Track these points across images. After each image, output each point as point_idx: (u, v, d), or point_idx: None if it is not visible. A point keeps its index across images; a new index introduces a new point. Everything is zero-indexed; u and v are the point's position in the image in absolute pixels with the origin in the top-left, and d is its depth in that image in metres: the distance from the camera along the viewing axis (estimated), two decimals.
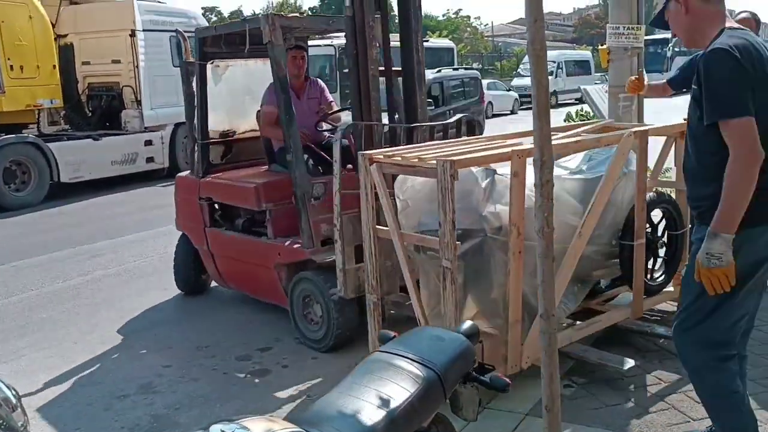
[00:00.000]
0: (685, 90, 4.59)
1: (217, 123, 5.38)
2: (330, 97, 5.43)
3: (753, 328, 2.75)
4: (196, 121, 5.19)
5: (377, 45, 4.32)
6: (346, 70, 4.51)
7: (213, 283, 5.71)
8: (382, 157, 3.57)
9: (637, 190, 3.82)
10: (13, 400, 2.08)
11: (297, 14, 4.75)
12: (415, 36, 4.45)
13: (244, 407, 3.75)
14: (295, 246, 4.53)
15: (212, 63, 5.17)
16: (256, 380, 4.11)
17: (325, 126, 5.15)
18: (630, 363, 3.54)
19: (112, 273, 6.59)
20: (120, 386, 4.10)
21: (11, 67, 10.60)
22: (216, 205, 5.23)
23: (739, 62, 2.29)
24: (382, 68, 4.46)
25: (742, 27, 2.49)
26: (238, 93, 5.63)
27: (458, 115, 4.79)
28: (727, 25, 2.46)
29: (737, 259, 2.35)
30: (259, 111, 5.15)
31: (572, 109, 9.72)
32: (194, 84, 5.12)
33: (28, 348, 4.81)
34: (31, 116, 11.53)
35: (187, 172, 5.62)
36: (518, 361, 3.44)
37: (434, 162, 3.16)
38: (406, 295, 4.41)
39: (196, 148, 5.27)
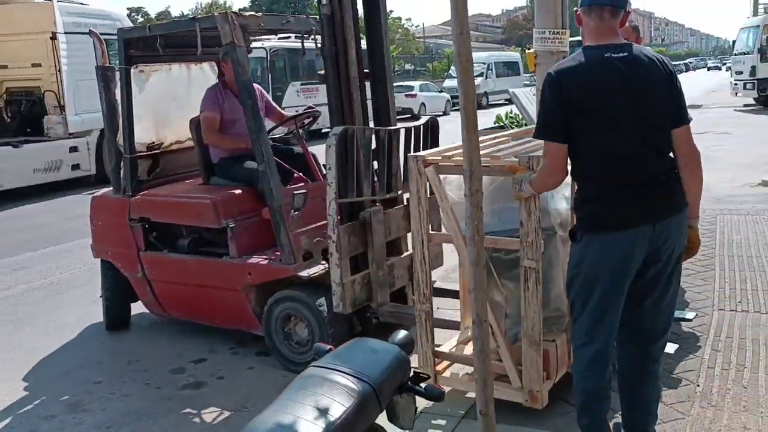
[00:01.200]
0: None
1: (141, 134, 4.90)
2: (269, 99, 5.17)
3: (660, 337, 2.78)
4: (120, 132, 4.81)
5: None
6: (321, 72, 4.23)
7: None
8: (439, 158, 3.42)
9: None
10: None
11: (253, 13, 4.41)
12: (385, 37, 4.32)
13: (178, 422, 3.68)
14: (270, 263, 4.22)
15: (136, 68, 4.83)
16: (191, 393, 4.03)
17: (276, 133, 4.93)
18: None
19: (36, 287, 6.33)
20: (47, 406, 3.95)
21: None
22: (149, 226, 4.72)
23: (553, 87, 2.48)
24: None
25: (602, 44, 2.52)
26: (163, 101, 5.19)
27: (425, 117, 4.67)
28: (596, 42, 2.53)
29: (586, 260, 2.59)
30: (193, 119, 4.84)
31: (502, 111, 9.94)
32: (116, 91, 4.80)
33: None
34: None
35: (104, 190, 5.15)
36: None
37: (514, 159, 3.12)
38: (398, 304, 4.39)
39: (122, 163, 4.82)
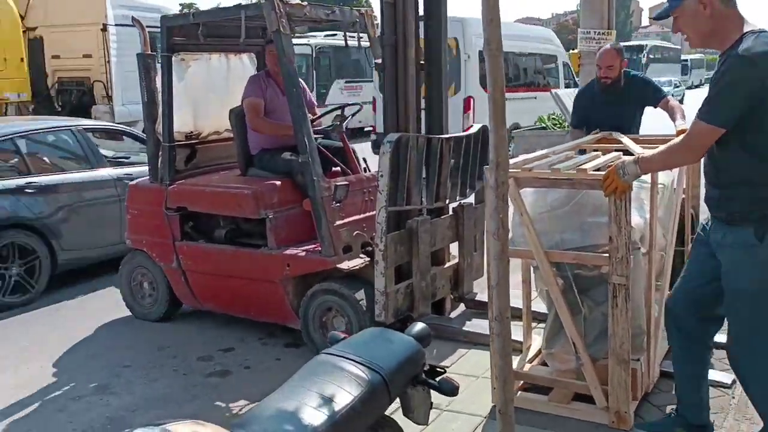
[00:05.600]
0: (585, 126, 4.70)
1: (180, 124, 4.86)
2: (311, 96, 5.09)
3: None
4: (159, 121, 4.80)
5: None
6: (379, 61, 4.14)
7: None
8: (519, 170, 3.22)
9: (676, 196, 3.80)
10: None
11: (299, 2, 4.27)
12: (444, 31, 4.18)
13: (201, 409, 3.68)
14: (309, 254, 4.13)
15: (178, 56, 4.79)
16: (217, 382, 4.04)
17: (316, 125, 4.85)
18: (731, 377, 3.42)
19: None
20: (76, 387, 4.02)
21: None
22: (186, 216, 4.68)
23: (747, 70, 2.33)
24: None
25: (763, 29, 2.44)
26: (203, 91, 5.13)
27: (477, 126, 4.46)
28: (748, 28, 2.43)
29: None
30: (233, 110, 4.80)
31: (544, 113, 9.79)
32: (156, 79, 4.78)
33: None
34: None
35: (141, 179, 5.16)
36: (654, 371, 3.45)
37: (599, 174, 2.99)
38: (439, 316, 4.37)
39: (161, 151, 4.80)
